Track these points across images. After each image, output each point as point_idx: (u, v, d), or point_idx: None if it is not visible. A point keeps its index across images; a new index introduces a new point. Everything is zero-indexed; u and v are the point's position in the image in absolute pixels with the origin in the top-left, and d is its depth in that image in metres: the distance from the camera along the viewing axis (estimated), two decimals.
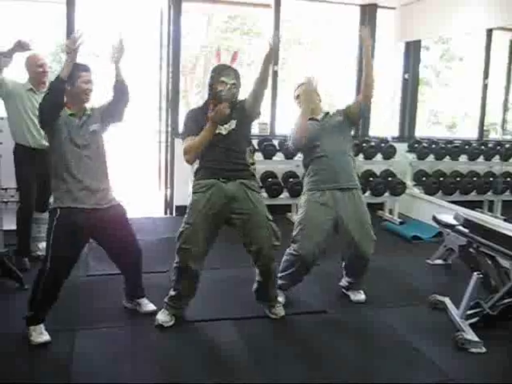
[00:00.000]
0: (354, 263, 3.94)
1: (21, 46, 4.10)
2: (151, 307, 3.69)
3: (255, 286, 3.69)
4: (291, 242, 3.80)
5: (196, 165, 3.59)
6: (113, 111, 3.43)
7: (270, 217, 3.53)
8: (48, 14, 9.24)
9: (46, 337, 3.21)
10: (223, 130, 3.46)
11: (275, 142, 6.37)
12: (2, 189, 4.89)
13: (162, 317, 3.53)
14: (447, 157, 7.06)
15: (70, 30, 5.89)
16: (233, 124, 3.49)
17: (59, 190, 3.29)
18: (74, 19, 5.92)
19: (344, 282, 4.12)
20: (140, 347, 3.28)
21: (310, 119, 3.84)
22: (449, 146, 7.12)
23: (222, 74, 3.41)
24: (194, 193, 3.49)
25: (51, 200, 3.46)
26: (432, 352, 3.29)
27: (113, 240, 3.48)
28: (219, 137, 3.44)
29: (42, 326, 3.25)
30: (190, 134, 3.45)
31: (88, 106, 3.39)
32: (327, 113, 3.96)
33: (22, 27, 8.38)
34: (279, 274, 3.84)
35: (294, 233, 3.80)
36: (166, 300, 3.57)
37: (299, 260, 3.71)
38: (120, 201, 3.52)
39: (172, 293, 3.55)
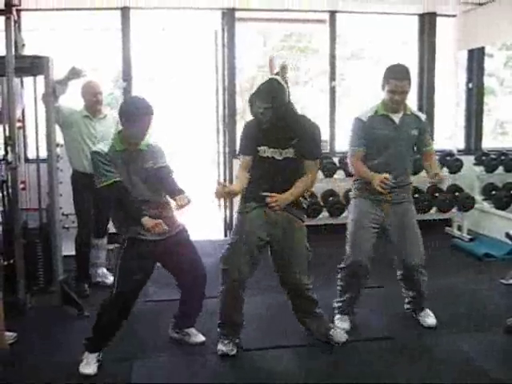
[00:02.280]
0: (407, 274, 3.77)
1: (75, 73, 4.17)
2: (200, 338, 3.57)
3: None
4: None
5: None
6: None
7: (308, 247, 3.43)
8: (108, 40, 9.47)
9: (90, 369, 3.15)
10: (278, 154, 3.27)
11: (335, 160, 6.20)
12: (63, 215, 4.95)
13: (223, 346, 3.41)
14: None
15: (125, 56, 5.99)
16: (290, 152, 3.28)
17: (122, 220, 3.26)
18: (129, 45, 6.01)
19: (407, 301, 3.90)
20: (199, 378, 3.18)
21: (385, 116, 3.57)
22: None
23: (256, 96, 3.15)
24: (238, 212, 3.42)
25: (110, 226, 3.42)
26: None
27: (178, 266, 3.41)
28: (272, 161, 3.27)
29: (95, 355, 3.20)
30: (243, 154, 3.34)
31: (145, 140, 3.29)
32: (406, 113, 3.61)
33: (84, 54, 8.61)
34: (337, 299, 3.80)
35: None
36: (219, 330, 3.48)
37: (350, 267, 3.66)
38: (183, 225, 3.45)
39: (220, 321, 3.47)
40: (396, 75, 3.47)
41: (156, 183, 3.29)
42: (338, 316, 3.77)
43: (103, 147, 3.21)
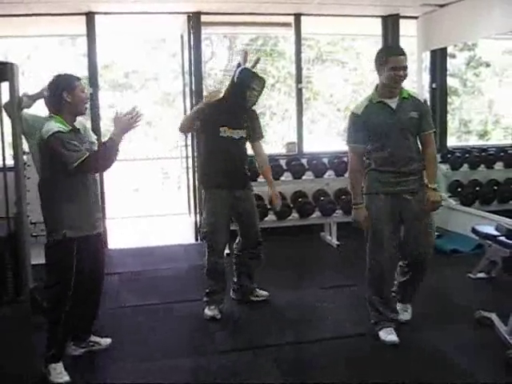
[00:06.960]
0: (413, 268, 3.69)
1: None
2: (109, 340, 3.52)
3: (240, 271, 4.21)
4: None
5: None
6: None
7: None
8: (72, 47, 9.40)
9: (66, 377, 3.06)
10: (235, 134, 3.88)
11: (304, 161, 6.24)
12: (32, 223, 4.88)
13: (210, 312, 3.90)
14: (482, 165, 6.80)
15: (91, 62, 5.94)
16: (243, 133, 3.93)
17: (60, 217, 3.14)
18: (95, 51, 5.97)
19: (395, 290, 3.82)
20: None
21: (379, 102, 3.41)
22: (483, 154, 6.89)
23: (254, 78, 3.76)
24: (209, 198, 3.95)
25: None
26: (484, 373, 3.09)
27: (91, 267, 3.24)
28: (230, 140, 3.87)
29: (61, 364, 3.11)
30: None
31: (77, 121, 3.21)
32: (404, 97, 3.42)
33: (49, 63, 8.52)
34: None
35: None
36: (205, 299, 3.95)
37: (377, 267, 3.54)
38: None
39: (208, 289, 3.96)
40: (396, 51, 3.41)
41: None
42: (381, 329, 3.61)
43: (60, 127, 3.03)
